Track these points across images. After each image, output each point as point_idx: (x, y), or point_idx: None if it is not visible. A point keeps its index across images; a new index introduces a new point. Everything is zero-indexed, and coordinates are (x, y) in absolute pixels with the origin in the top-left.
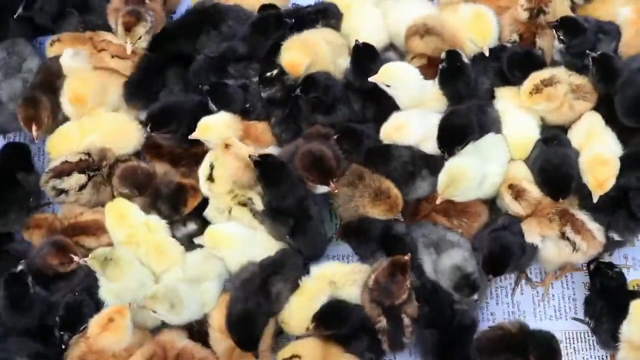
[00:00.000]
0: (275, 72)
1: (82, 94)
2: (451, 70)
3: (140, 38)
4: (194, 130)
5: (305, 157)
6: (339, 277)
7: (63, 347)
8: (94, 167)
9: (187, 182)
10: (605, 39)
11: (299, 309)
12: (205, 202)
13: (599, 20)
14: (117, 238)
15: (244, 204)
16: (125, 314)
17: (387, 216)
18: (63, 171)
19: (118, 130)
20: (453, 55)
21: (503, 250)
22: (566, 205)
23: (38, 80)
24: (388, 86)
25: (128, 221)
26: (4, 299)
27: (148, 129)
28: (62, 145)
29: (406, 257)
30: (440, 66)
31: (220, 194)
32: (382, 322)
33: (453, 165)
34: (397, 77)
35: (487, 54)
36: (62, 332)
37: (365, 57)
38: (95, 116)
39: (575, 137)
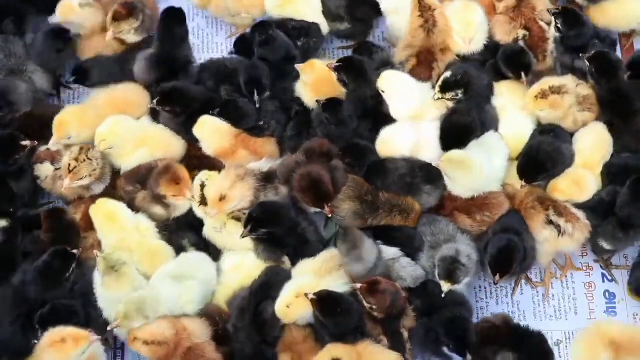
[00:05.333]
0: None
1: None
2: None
3: (122, 32)
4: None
5: (302, 179)
6: (317, 269)
7: (35, 342)
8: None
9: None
10: (598, 45)
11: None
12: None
13: (596, 27)
14: (109, 241)
15: (238, 219)
16: (80, 344)
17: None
18: (39, 158)
19: (164, 144)
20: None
21: (509, 251)
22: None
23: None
24: (383, 92)
25: (119, 223)
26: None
27: (154, 101)
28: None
29: (361, 285)
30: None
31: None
32: (384, 341)
33: (469, 155)
34: (392, 84)
35: (467, 47)
36: (37, 326)
37: (333, 108)
38: (141, 126)
39: (579, 143)
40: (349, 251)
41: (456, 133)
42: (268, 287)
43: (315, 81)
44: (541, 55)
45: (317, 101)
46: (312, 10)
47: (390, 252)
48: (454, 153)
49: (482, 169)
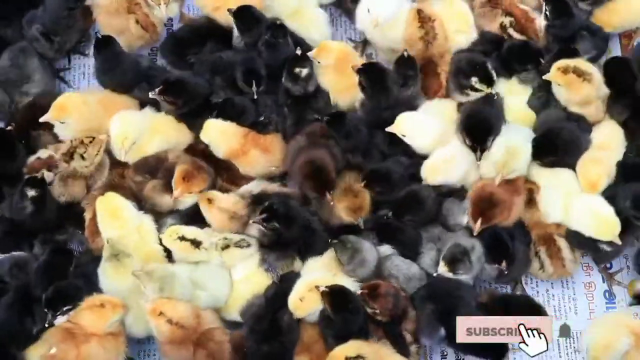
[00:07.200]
0: (305, 71)
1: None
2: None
3: None
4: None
5: (305, 166)
6: (327, 266)
7: (47, 324)
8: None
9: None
10: (586, 37)
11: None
12: None
13: (589, 21)
14: (108, 237)
15: (226, 246)
16: (117, 310)
17: (351, 218)
18: (33, 169)
19: (174, 130)
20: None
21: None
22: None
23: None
24: (404, 136)
25: (121, 220)
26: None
27: (156, 90)
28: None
29: (362, 291)
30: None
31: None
32: (387, 344)
33: (508, 142)
34: (409, 126)
35: (472, 34)
36: (46, 310)
37: (337, 122)
38: (147, 116)
39: (594, 133)
40: (351, 258)
41: (482, 126)
42: (282, 293)
43: (337, 61)
44: (535, 35)
45: (317, 119)
46: (317, 27)
47: (382, 249)
48: (504, 153)
49: (527, 144)
